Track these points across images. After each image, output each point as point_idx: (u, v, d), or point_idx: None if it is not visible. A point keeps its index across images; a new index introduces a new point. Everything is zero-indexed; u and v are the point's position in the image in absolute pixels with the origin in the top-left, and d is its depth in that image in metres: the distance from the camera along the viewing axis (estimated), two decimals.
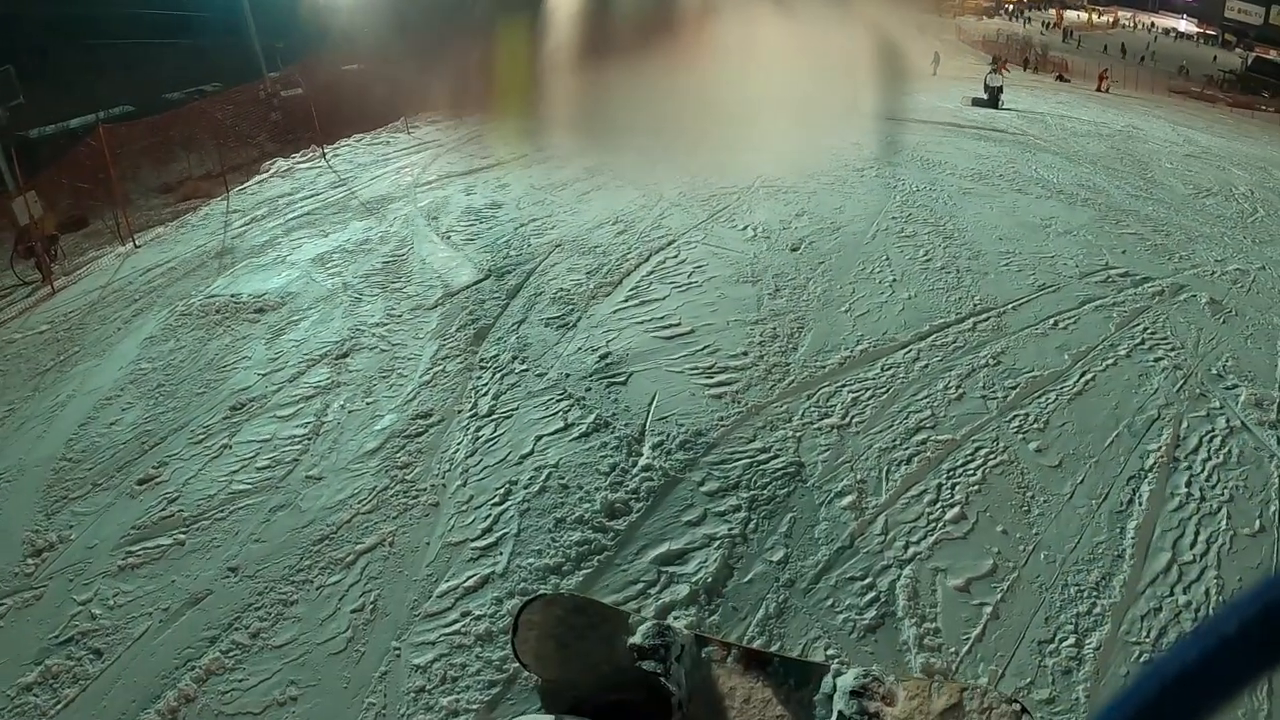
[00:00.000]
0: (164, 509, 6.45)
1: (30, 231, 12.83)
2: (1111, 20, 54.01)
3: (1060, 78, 35.11)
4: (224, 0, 21.89)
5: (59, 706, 4.89)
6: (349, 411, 7.41)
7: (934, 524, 5.67)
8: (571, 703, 4.05)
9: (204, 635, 5.17)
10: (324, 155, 17.85)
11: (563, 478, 6.20)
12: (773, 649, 4.93)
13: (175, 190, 17.05)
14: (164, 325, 9.81)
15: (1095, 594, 5.12)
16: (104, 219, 15.10)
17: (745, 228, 11.23)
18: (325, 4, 21.51)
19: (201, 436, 7.36)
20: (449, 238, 11.64)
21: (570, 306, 9.00)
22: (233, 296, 10.34)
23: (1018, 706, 3.92)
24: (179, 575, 5.72)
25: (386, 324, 9.04)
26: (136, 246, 13.60)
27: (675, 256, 10.22)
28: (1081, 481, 6.15)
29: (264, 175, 16.89)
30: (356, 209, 13.55)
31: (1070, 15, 51.86)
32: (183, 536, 6.10)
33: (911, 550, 5.42)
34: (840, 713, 3.88)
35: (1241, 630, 0.56)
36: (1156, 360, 7.88)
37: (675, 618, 5.20)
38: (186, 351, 9.02)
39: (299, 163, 17.46)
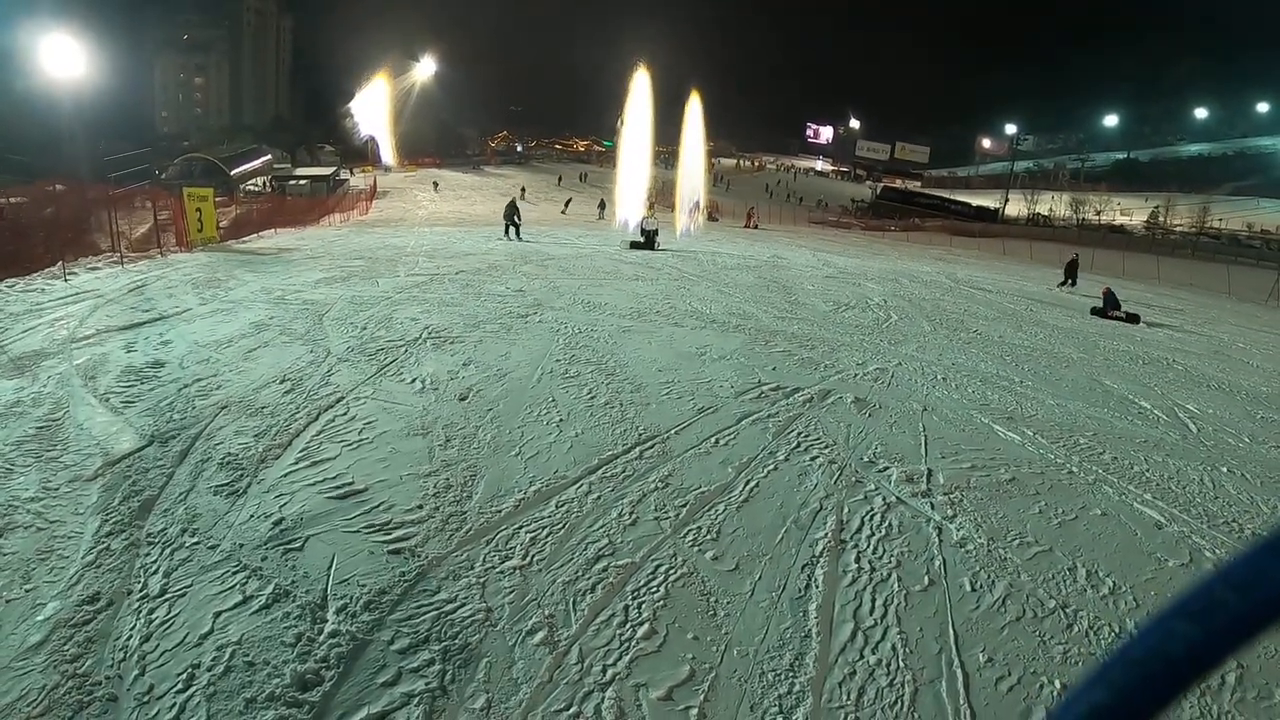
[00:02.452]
0: None
1: None
2: (757, 165, 59.27)
3: (711, 217, 37.88)
4: None
5: None
6: (6, 601, 6.95)
7: (627, 644, 5.95)
8: None
9: None
10: None
11: (248, 654, 6.10)
12: None
13: None
14: None
15: (791, 674, 5.58)
16: None
17: (414, 380, 11.49)
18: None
19: None
20: (108, 400, 11.19)
21: (240, 472, 8.87)
22: None
23: None
24: None
25: (43, 498, 8.55)
26: None
27: (345, 414, 10.30)
28: (760, 578, 6.71)
29: None
30: (5, 366, 12.78)
31: (721, 162, 56.69)
32: None
33: (610, 672, 5.66)
34: None
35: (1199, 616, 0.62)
36: (813, 459, 8.78)
37: None
38: None
39: None
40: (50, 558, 7.59)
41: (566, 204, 34.40)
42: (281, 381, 11.52)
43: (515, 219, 27.69)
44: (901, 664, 5.80)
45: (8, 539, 7.92)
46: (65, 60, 30.18)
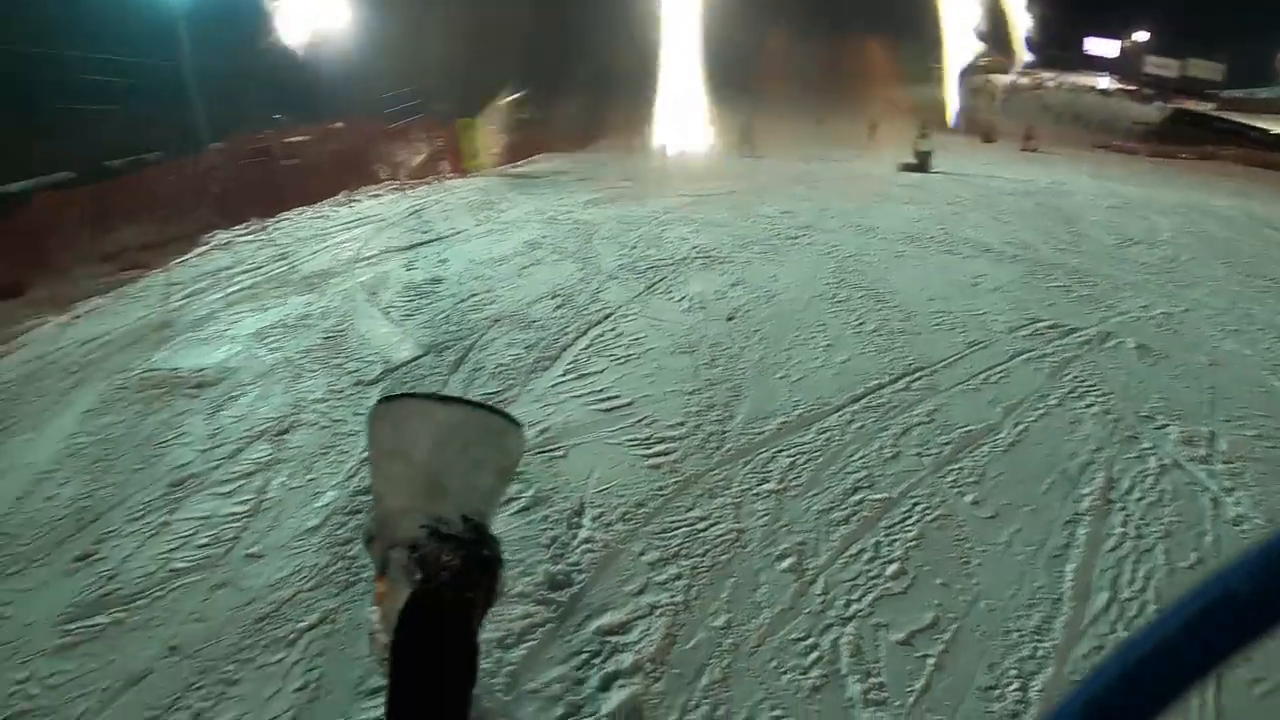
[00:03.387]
0: (102, 586, 6.42)
1: None
2: (1035, 82, 55.72)
3: (986, 139, 36.05)
4: (168, 70, 21.89)
5: None
6: (289, 488, 7.42)
7: (874, 581, 5.73)
8: None
9: (144, 716, 5.13)
10: (265, 228, 17.85)
11: (504, 551, 6.21)
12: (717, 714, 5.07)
13: (115, 260, 16.91)
14: (102, 398, 9.76)
15: (1037, 638, 5.21)
16: (41, 288, 14.99)
17: (681, 299, 11.42)
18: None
19: (140, 513, 7.33)
20: (389, 313, 11.73)
21: (509, 381, 9.10)
22: (172, 370, 10.34)
23: None
24: (118, 654, 5.68)
25: (328, 400, 9.09)
26: (75, 317, 13.51)
27: (613, 330, 10.39)
28: (1018, 530, 6.27)
29: (204, 248, 16.83)
30: (297, 283, 13.55)
31: (997, 79, 53.45)
32: (122, 615, 6.07)
33: (853, 608, 5.47)
34: None
35: (1204, 612, 0.61)
36: (1087, 407, 8.11)
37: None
38: (125, 426, 8.99)
39: (240, 236, 17.41)
40: (331, 453, 8.00)
41: (870, 129, 33.16)
42: (552, 297, 11.72)
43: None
44: None
45: (294, 435, 8.38)
46: (339, 12, 31.61)
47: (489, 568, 1.61)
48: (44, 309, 14.25)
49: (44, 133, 19.89)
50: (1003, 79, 54.14)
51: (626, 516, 6.62)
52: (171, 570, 6.52)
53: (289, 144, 22.39)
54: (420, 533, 1.52)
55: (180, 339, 11.53)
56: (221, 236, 17.38)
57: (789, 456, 7.39)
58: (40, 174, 18.91)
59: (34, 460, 8.60)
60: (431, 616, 1.46)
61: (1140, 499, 6.71)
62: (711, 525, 6.45)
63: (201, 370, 10.21)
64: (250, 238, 17.29)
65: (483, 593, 1.54)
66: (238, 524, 7.01)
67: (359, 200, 19.94)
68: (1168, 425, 7.88)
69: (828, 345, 9.72)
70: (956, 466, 7.17)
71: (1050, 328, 10.06)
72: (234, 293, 13.40)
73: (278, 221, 18.46)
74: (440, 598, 1.48)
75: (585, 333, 10.32)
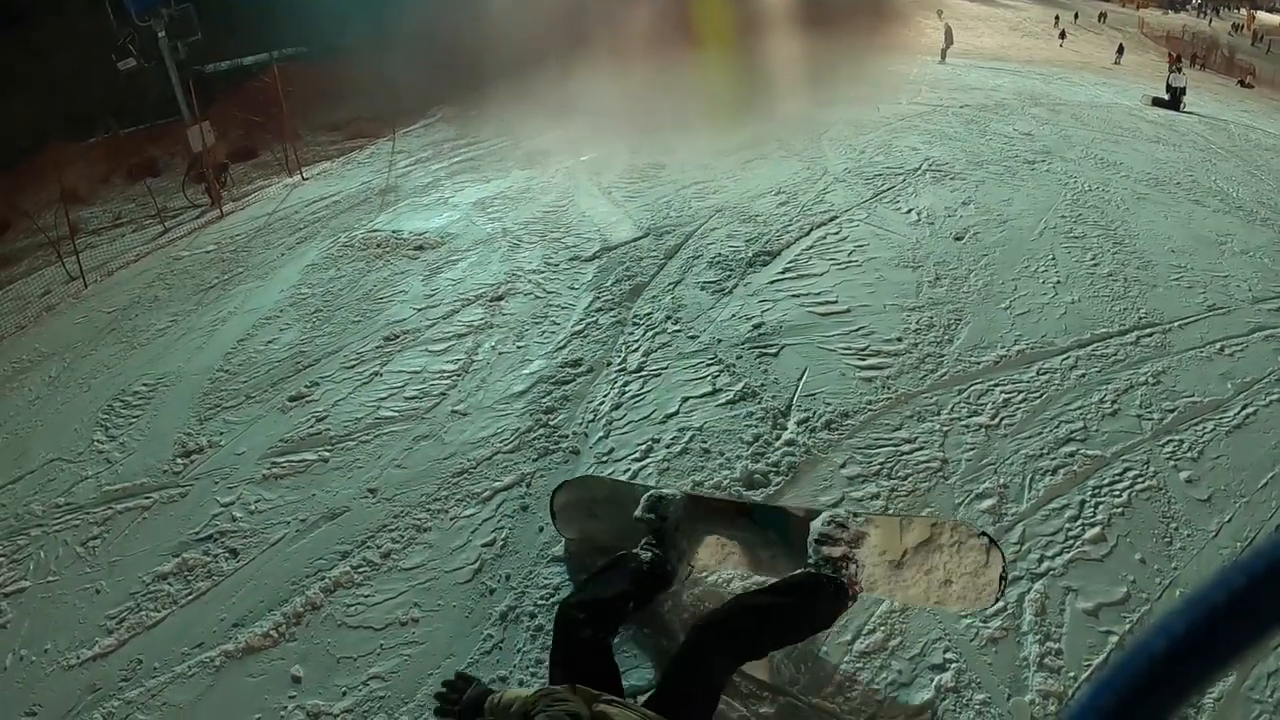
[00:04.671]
0: (311, 426, 6.60)
1: (202, 159, 13.28)
2: None
3: (1243, 83, 33.27)
4: None
5: (190, 597, 5.02)
6: (499, 353, 7.44)
7: (1071, 541, 5.31)
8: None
9: (337, 549, 5.24)
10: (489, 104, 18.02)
11: (705, 442, 6.07)
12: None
13: (343, 129, 17.49)
14: (326, 254, 10.04)
15: None
16: (273, 152, 15.60)
17: (909, 210, 10.90)
18: None
19: (354, 362, 7.51)
20: (610, 193, 11.64)
21: (727, 272, 8.85)
22: (394, 232, 10.55)
23: (986, 539, 4.12)
24: (319, 490, 5.83)
25: (543, 271, 9.07)
26: (303, 179, 13.99)
27: (836, 233, 9.95)
28: (1229, 520, 5.67)
29: (430, 120, 17.15)
30: (519, 158, 13.67)
31: (1264, 17, 48.70)
32: (327, 454, 6.22)
33: (1045, 565, 5.09)
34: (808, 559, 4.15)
35: (1232, 599, 0.56)
36: None
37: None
38: (346, 281, 9.21)
39: (467, 110, 17.67)
40: (543, 322, 7.95)
41: (1119, 53, 31.21)
42: (777, 193, 11.33)
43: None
44: None
45: (508, 302, 8.39)
46: None
47: None
48: (275, 171, 14.74)
49: (279, 10, 20.45)
50: (1271, 16, 49.95)
51: (832, 425, 6.33)
52: (379, 418, 6.63)
53: None
54: None
55: (403, 204, 11.77)
56: (447, 110, 17.63)
57: (1004, 392, 6.91)
58: (274, 48, 19.51)
59: (258, 306, 8.89)
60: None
61: None
62: (916, 449, 6.10)
63: (422, 234, 10.37)
64: (476, 113, 17.47)
65: None
66: (446, 381, 7.06)
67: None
68: None
69: (1057, 282, 9.06)
70: (1177, 438, 6.51)
71: None
72: (457, 163, 13.56)
73: (502, 101, 18.53)
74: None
75: (808, 233, 9.93)
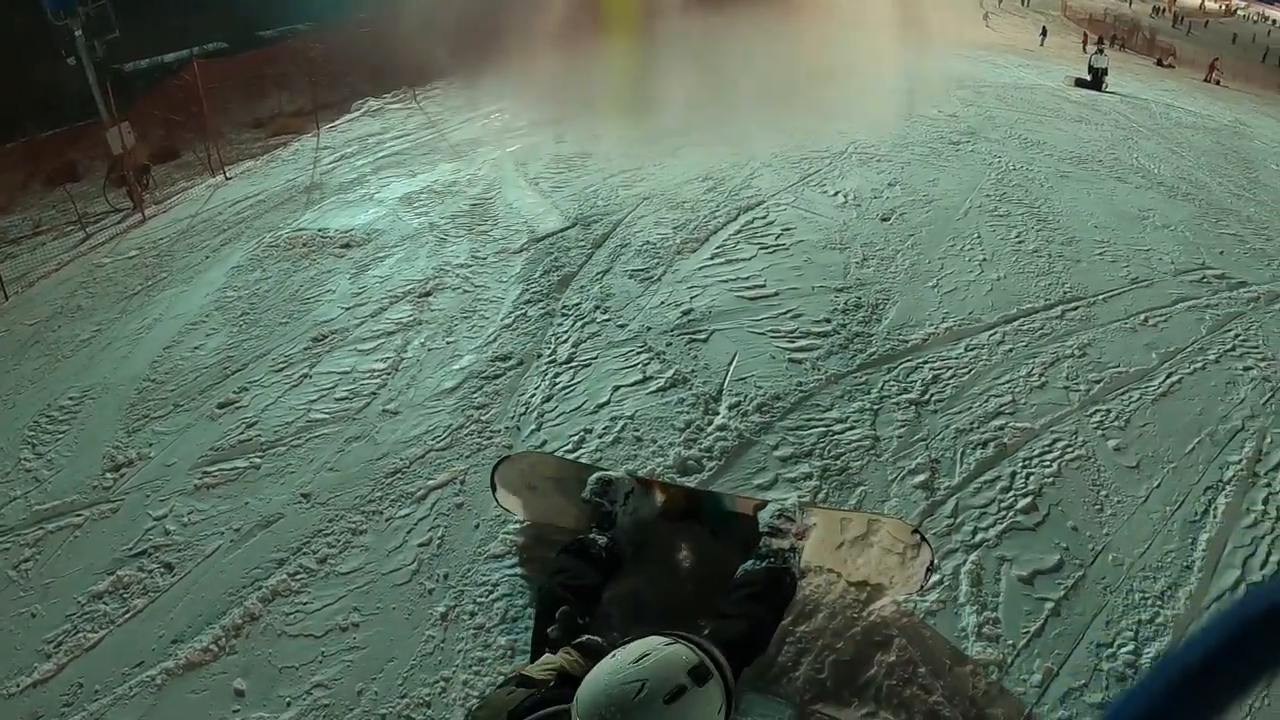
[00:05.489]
0: (242, 433, 6.54)
1: (123, 161, 13.06)
2: (1226, 8, 51.57)
3: (1160, 63, 33.83)
4: None
5: (127, 616, 4.98)
6: (429, 349, 7.44)
7: (1004, 512, 5.46)
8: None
9: (273, 557, 5.22)
10: (415, 97, 17.94)
11: (637, 430, 6.14)
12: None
13: (266, 126, 17.27)
14: (251, 255, 9.95)
15: (1160, 603, 4.87)
16: (195, 151, 15.36)
17: (836, 193, 11.01)
18: None
19: (283, 365, 7.46)
20: (537, 184, 11.64)
21: (655, 260, 8.92)
22: (320, 231, 10.47)
23: (918, 537, 4.34)
24: (252, 498, 5.79)
25: (471, 265, 9.07)
26: (227, 179, 13.81)
27: (764, 218, 10.04)
28: (1158, 486, 5.86)
29: (354, 114, 17.05)
30: (445, 151, 13.63)
31: (1185, 0, 49.58)
32: (258, 460, 6.18)
33: (979, 536, 5.24)
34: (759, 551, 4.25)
35: (1248, 629, 0.58)
36: (1246, 369, 7.46)
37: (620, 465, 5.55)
38: (272, 282, 9.14)
39: (390, 103, 17.61)
40: (472, 317, 7.97)
41: (1042, 36, 31.69)
42: (704, 179, 11.40)
43: None
44: None
45: (436, 298, 8.38)
46: None
47: None
48: (197, 171, 14.55)
49: (198, 4, 20.17)
50: None
51: (763, 408, 6.43)
52: (309, 421, 6.60)
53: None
54: None
55: (328, 201, 11.68)
56: (372, 104, 17.53)
57: (933, 369, 7.06)
58: (194, 44, 19.22)
59: (183, 311, 8.80)
60: None
61: None
62: (848, 429, 6.23)
63: (349, 231, 10.31)
64: (400, 106, 17.39)
65: None
66: (376, 380, 7.05)
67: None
68: None
69: (983, 260, 9.22)
70: (1104, 408, 6.70)
71: (1218, 277, 9.24)
72: (383, 158, 13.49)
73: (427, 91, 18.58)
74: None
75: (736, 218, 10.02)
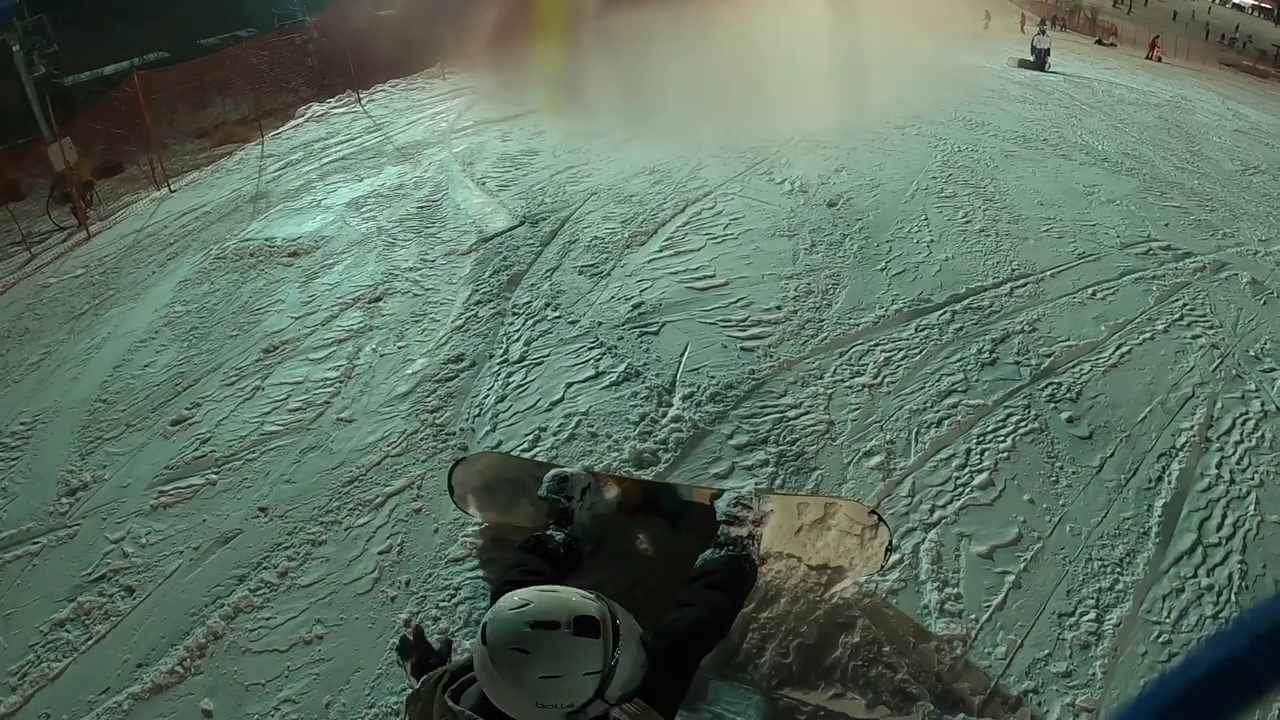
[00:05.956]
0: (196, 449, 6.50)
1: (66, 178, 12.96)
2: None
3: (1100, 42, 34.17)
4: None
5: (90, 642, 4.93)
6: (381, 355, 7.43)
7: (961, 489, 5.52)
8: None
9: (233, 574, 5.20)
10: (359, 100, 17.90)
11: (592, 426, 6.16)
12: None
13: (210, 135, 17.18)
14: (198, 269, 9.88)
15: (1119, 570, 4.95)
16: (139, 164, 15.29)
17: (783, 181, 11.07)
18: None
19: (234, 378, 7.41)
20: (484, 184, 11.63)
21: (604, 254, 8.94)
22: (267, 240, 10.40)
23: (875, 517, 4.38)
24: (210, 514, 5.76)
25: (420, 269, 9.06)
26: (171, 191, 13.73)
27: (711, 208, 10.09)
28: (1112, 455, 5.96)
29: (299, 120, 16.98)
30: (391, 154, 13.61)
31: None
32: (214, 476, 6.14)
33: (937, 514, 5.29)
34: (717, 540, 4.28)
35: (1254, 643, 0.58)
36: (1194, 338, 7.58)
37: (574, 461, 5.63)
38: (220, 294, 9.08)
39: (334, 108, 17.57)
40: (423, 320, 7.96)
41: (986, 19, 31.87)
42: (651, 172, 11.43)
43: None
44: (1234, 601, 4.91)
45: (386, 303, 8.36)
46: None
47: None
48: (142, 185, 14.43)
49: (137, 14, 19.99)
50: None
51: (717, 397, 6.46)
52: (263, 433, 6.57)
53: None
54: None
55: (275, 210, 11.63)
56: (316, 109, 17.44)
57: (885, 351, 7.12)
58: (135, 55, 19.04)
59: (132, 329, 8.73)
60: None
61: (1239, 442, 6.19)
62: (803, 414, 6.27)
63: (296, 239, 10.25)
64: (344, 110, 17.32)
65: None
66: (329, 389, 7.02)
67: (454, 73, 19.75)
68: (1275, 370, 7.29)
69: (931, 241, 9.30)
70: (1055, 381, 6.79)
71: (1164, 249, 9.37)
72: (328, 164, 13.44)
73: (371, 93, 18.52)
74: None
75: (683, 210, 10.05)
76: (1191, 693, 0.61)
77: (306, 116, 17.06)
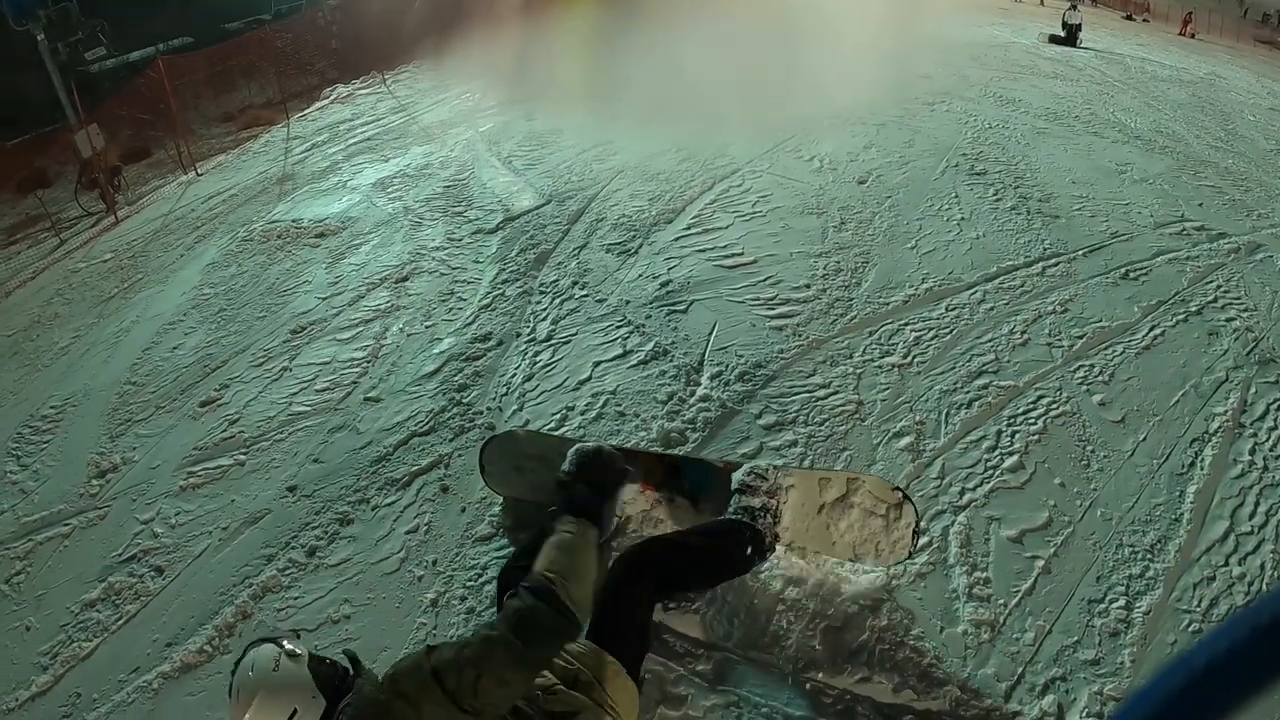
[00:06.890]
0: (225, 430, 6.52)
1: (93, 164, 12.98)
2: None
3: (1130, 17, 33.66)
4: None
5: (120, 622, 4.97)
6: (408, 334, 7.42)
7: (991, 472, 5.45)
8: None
9: (262, 553, 5.22)
10: (384, 81, 17.85)
11: (619, 405, 6.12)
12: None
13: (236, 119, 17.15)
14: (226, 251, 9.90)
15: (1149, 557, 4.87)
16: (166, 149, 15.26)
17: (811, 158, 10.95)
18: None
19: (262, 359, 7.43)
20: (510, 162, 11.58)
21: (632, 233, 8.88)
22: (294, 222, 10.42)
23: (900, 495, 4.29)
24: (238, 495, 5.79)
25: (446, 248, 9.03)
26: (199, 175, 13.73)
27: (739, 185, 9.99)
28: (1144, 439, 5.85)
29: (324, 102, 16.97)
30: (417, 134, 13.59)
31: None
32: (243, 457, 6.16)
33: (967, 497, 5.22)
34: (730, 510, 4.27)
35: (1258, 635, 0.56)
36: (1228, 320, 7.44)
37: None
38: (248, 276, 9.10)
39: (359, 89, 17.54)
40: (450, 299, 7.92)
41: None
42: (677, 150, 11.31)
43: None
44: (1266, 591, 4.78)
45: (413, 282, 8.34)
46: None
47: None
48: (169, 169, 14.46)
49: (161, 0, 20.00)
50: None
51: (745, 377, 6.40)
52: (291, 414, 6.57)
53: None
54: None
55: (301, 191, 11.62)
56: (341, 90, 17.44)
57: (915, 331, 7.03)
58: (159, 41, 19.05)
59: (161, 312, 8.76)
60: None
61: (1274, 428, 6.08)
62: (831, 394, 6.19)
63: (323, 220, 10.25)
64: (369, 91, 17.31)
65: None
66: (357, 369, 7.02)
67: (479, 52, 19.68)
68: None
69: (961, 219, 9.17)
70: (1087, 363, 6.67)
71: (1198, 229, 9.20)
72: (354, 145, 13.43)
73: (396, 74, 18.50)
74: None
75: (711, 187, 9.96)
76: (1192, 685, 0.59)
77: (332, 98, 17.05)
